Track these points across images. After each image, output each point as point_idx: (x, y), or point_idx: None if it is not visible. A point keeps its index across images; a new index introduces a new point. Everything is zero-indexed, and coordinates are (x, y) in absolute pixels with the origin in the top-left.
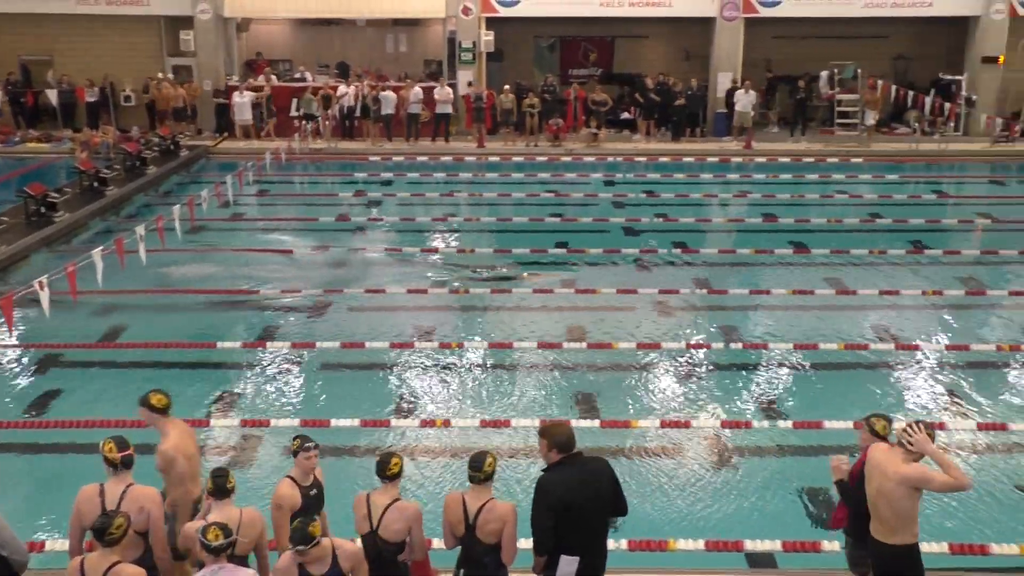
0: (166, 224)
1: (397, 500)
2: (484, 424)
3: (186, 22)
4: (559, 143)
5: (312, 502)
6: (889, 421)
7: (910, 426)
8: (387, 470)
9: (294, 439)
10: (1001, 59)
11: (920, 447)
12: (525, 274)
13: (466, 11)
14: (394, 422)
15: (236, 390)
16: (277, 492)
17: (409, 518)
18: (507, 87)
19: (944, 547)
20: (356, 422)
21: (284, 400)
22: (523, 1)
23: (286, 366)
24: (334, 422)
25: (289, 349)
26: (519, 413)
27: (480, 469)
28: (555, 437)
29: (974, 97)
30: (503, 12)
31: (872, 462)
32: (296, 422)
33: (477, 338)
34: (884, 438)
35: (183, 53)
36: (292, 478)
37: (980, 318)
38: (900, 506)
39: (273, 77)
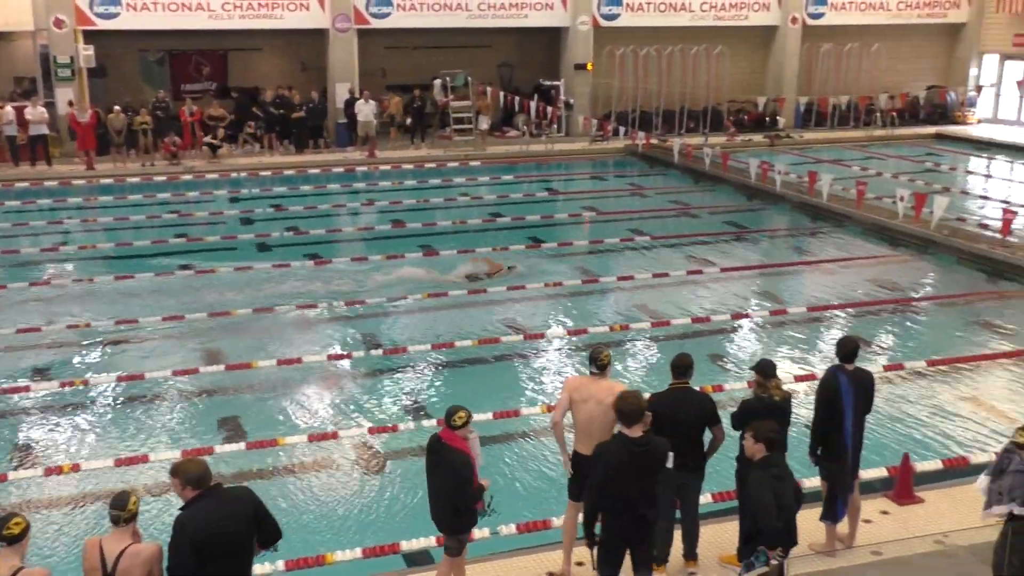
0: None
1: (20, 569)
2: (119, 463)
3: None
4: (177, 161)
5: None
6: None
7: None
8: (5, 530)
9: None
10: (589, 66)
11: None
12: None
13: (59, 23)
14: (12, 475)
15: None
16: None
17: None
18: (117, 107)
19: None
20: None
21: None
22: (124, 13)
23: None
24: None
25: None
26: (159, 446)
27: (124, 508)
28: (187, 474)
29: (572, 101)
30: (102, 24)
31: (582, 392)
32: None
33: (104, 372)
34: (463, 427)
35: None
36: None
37: (595, 303)
38: (609, 418)
39: None
